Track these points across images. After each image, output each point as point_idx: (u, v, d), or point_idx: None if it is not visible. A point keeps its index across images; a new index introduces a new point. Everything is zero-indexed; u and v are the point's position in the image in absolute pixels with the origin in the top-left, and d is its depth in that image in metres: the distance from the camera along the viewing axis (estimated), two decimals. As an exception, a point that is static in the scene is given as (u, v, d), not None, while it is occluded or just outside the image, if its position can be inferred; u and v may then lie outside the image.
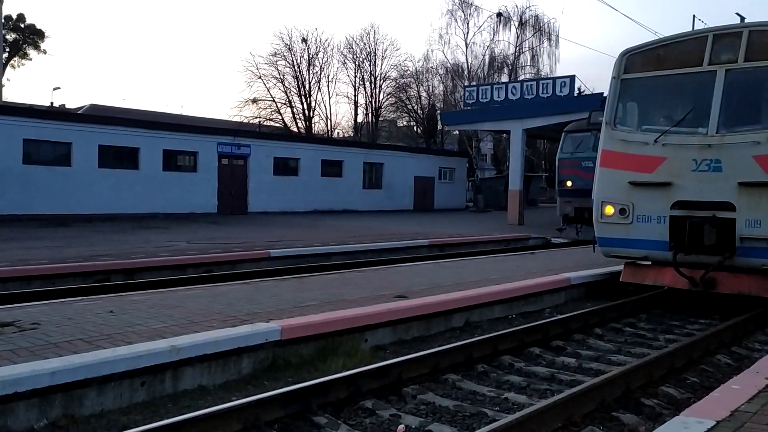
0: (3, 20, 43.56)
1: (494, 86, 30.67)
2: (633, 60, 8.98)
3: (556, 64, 46.86)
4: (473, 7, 45.91)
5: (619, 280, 9.32)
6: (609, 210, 8.76)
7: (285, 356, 5.80)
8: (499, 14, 44.99)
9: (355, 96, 49.91)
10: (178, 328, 5.76)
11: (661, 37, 9.76)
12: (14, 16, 49.55)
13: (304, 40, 46.29)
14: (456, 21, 46.59)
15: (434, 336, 7.27)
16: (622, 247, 8.77)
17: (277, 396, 4.59)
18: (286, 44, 45.80)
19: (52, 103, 51.56)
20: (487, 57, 46.24)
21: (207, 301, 7.19)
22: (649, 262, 8.88)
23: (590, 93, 21.54)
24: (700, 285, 8.27)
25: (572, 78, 27.12)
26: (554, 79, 28.82)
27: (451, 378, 5.60)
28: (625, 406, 5.00)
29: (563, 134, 19.11)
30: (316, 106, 48.27)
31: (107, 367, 4.63)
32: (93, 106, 50.45)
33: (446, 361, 5.85)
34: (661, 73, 8.72)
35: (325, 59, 47.85)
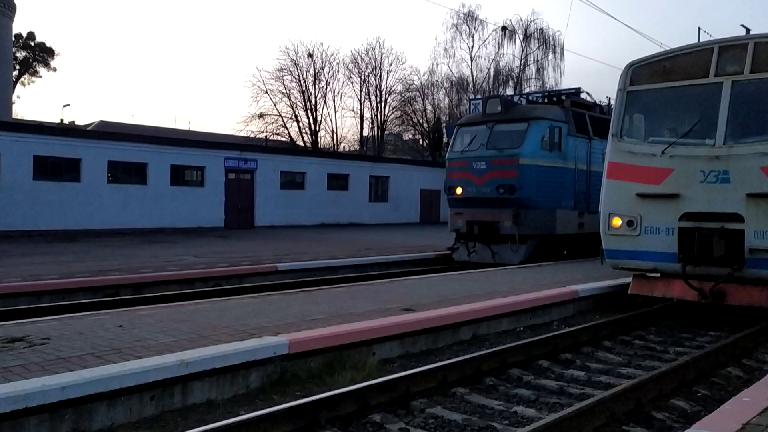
0: (13, 38, 44.09)
1: (499, 99, 30.65)
2: (639, 72, 9.00)
3: (561, 76, 46.89)
4: (478, 21, 46.21)
5: (628, 292, 9.27)
6: (616, 222, 8.74)
7: (293, 370, 5.80)
8: (503, 28, 45.19)
9: (360, 110, 50.13)
10: (187, 342, 5.77)
11: (667, 49, 9.78)
12: (24, 35, 50.18)
13: (310, 55, 46.61)
14: (461, 35, 46.87)
15: (442, 349, 7.25)
16: (631, 259, 8.74)
17: (286, 410, 4.59)
18: (292, 59, 46.12)
19: (62, 119, 52.03)
20: (492, 70, 46.43)
21: (215, 315, 7.20)
22: (658, 274, 8.83)
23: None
24: (709, 297, 8.22)
25: (578, 90, 27.12)
26: (560, 91, 28.84)
27: (459, 391, 5.58)
28: (635, 419, 4.97)
29: (456, 128, 16.30)
30: (322, 120, 48.50)
31: (117, 382, 4.65)
32: (102, 123, 50.88)
33: (454, 374, 5.84)
34: (667, 85, 8.74)
35: (330, 74, 48.14)
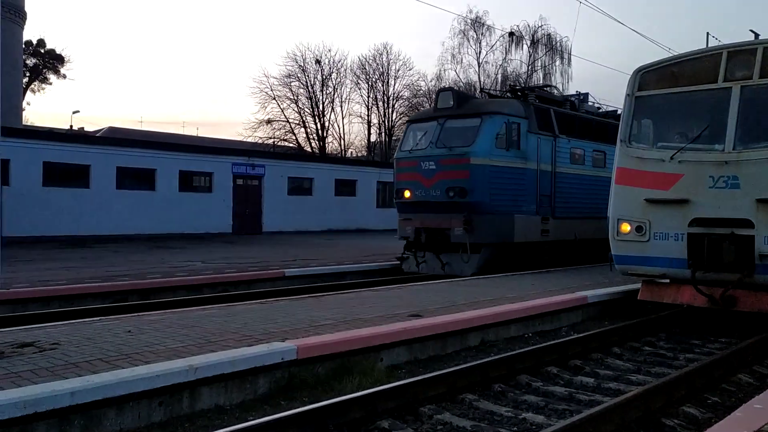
0: (23, 45, 44.46)
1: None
2: (647, 77, 8.98)
3: (568, 81, 46.72)
4: (485, 26, 46.19)
5: (637, 298, 9.22)
6: (625, 227, 8.70)
7: (301, 376, 5.79)
8: (511, 33, 45.19)
9: (368, 115, 50.18)
10: (195, 347, 5.78)
11: (675, 54, 9.76)
12: (35, 42, 50.57)
13: (318, 62, 46.72)
14: (468, 41, 46.84)
15: (450, 355, 7.23)
16: (640, 265, 8.70)
17: (294, 416, 4.59)
18: (300, 65, 46.25)
19: (71, 126, 52.33)
20: (499, 76, 46.36)
21: (223, 321, 7.21)
22: (668, 280, 8.79)
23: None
24: (719, 303, 8.17)
25: (586, 95, 27.07)
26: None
27: (467, 398, 5.56)
28: (645, 426, 4.94)
29: (407, 125, 15.20)
30: (330, 126, 48.56)
31: (126, 387, 4.66)
32: (111, 129, 51.17)
33: (463, 380, 5.81)
34: (675, 90, 8.72)
35: (338, 80, 48.21)
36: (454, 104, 13.58)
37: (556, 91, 18.49)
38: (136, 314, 7.83)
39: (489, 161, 12.93)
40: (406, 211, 14.04)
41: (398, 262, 14.70)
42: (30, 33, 55.52)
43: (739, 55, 8.20)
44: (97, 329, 6.64)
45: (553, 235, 14.38)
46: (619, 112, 15.15)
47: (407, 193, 13.76)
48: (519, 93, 15.29)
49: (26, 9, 41.81)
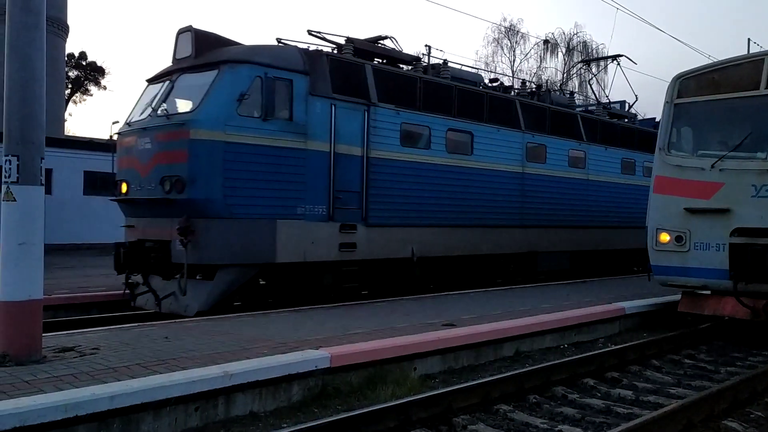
0: (66, 58, 45.78)
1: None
2: (686, 84, 8.83)
3: (604, 89, 46.26)
4: (519, 34, 45.95)
5: (677, 309, 9.03)
6: (664, 237, 8.55)
7: (334, 384, 5.80)
8: (546, 41, 44.88)
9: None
10: (230, 354, 5.84)
11: (715, 60, 9.57)
12: (77, 54, 52.00)
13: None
14: (502, 49, 46.61)
15: (484, 365, 7.16)
16: (679, 276, 8.52)
17: (328, 424, 4.59)
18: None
19: (110, 136, 53.54)
20: (534, 84, 46.06)
21: (257, 328, 7.27)
22: (708, 292, 8.59)
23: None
24: (762, 315, 7.96)
25: (622, 104, 26.71)
26: (604, 104, 28.41)
27: (502, 408, 5.50)
28: (686, 441, 4.81)
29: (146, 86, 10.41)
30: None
31: (163, 392, 4.73)
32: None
33: (497, 391, 5.75)
34: (716, 97, 8.55)
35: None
36: (194, 52, 9.31)
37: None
38: (173, 321, 7.95)
39: (223, 135, 8.56)
40: (126, 213, 9.91)
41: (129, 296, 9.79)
42: (72, 46, 57.17)
43: (783, 60, 8.01)
44: (135, 335, 6.76)
45: (366, 251, 10.14)
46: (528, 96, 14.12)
47: (124, 187, 9.54)
48: (319, 37, 10.77)
49: (69, 22, 43.06)
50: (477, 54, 64.36)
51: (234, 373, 5.15)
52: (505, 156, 12.62)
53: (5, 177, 5.41)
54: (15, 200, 5.38)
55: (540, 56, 46.16)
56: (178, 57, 9.62)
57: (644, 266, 16.00)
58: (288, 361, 5.57)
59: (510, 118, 12.90)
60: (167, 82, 9.53)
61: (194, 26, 9.43)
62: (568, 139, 14.33)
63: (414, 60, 12.10)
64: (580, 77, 45.51)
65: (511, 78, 45.79)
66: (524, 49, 46.67)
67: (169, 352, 5.94)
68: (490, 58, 47.05)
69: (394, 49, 11.77)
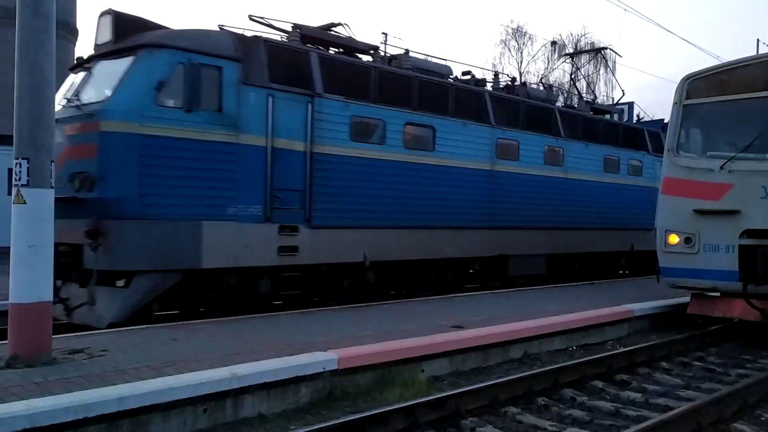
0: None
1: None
2: (695, 85, 8.80)
3: (612, 91, 46.12)
4: (527, 36, 45.89)
5: (687, 311, 8.99)
6: (673, 239, 8.52)
7: (342, 386, 5.81)
8: (553, 43, 44.76)
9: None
10: (238, 356, 5.85)
11: (724, 61, 9.53)
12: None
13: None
14: (509, 50, 46.56)
15: (492, 367, 7.15)
16: (689, 278, 8.49)
17: (336, 426, 4.60)
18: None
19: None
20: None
21: (265, 330, 7.29)
22: (718, 294, 8.55)
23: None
24: (772, 317, 7.90)
25: (631, 105, 26.62)
26: (612, 105, 28.36)
27: (510, 411, 5.49)
28: (695, 443, 4.79)
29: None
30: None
31: (172, 394, 4.75)
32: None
33: (505, 393, 5.74)
34: (725, 98, 8.52)
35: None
36: (113, 36, 8.47)
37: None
38: (181, 323, 7.98)
39: (139, 128, 7.78)
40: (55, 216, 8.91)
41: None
42: (81, 50, 57.54)
43: (792, 61, 7.97)
44: (144, 337, 6.79)
45: (310, 255, 9.27)
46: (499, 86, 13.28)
47: None
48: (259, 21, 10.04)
49: (78, 26, 43.38)
50: (484, 56, 64.40)
51: (242, 375, 5.16)
52: (472, 152, 11.66)
53: (15, 180, 5.45)
54: (25, 203, 5.42)
55: (547, 58, 46.08)
56: (98, 42, 8.75)
57: (631, 270, 15.68)
58: (296, 363, 5.58)
59: (478, 112, 11.97)
60: (86, 71, 8.69)
61: (115, 9, 8.50)
62: (545, 134, 13.30)
63: (371, 49, 11.12)
64: (588, 78, 45.42)
65: (517, 79, 45.75)
66: (531, 50, 46.63)
67: (177, 353, 5.96)
68: (497, 60, 47.03)
69: (349, 37, 10.78)
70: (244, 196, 8.59)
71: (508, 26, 46.59)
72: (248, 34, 9.28)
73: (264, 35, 9.37)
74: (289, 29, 9.98)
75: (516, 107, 12.95)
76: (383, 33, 13.77)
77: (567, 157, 13.80)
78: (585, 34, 46.03)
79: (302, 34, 9.94)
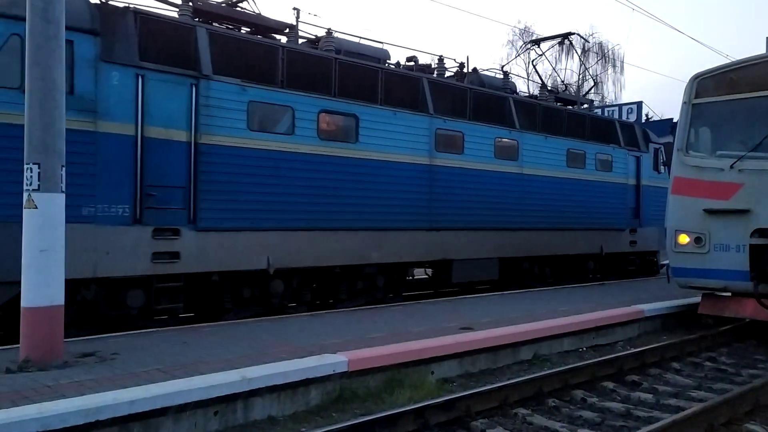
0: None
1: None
2: (704, 84, 8.76)
3: (621, 90, 45.84)
4: (535, 36, 45.78)
5: (697, 312, 8.94)
6: (683, 239, 8.47)
7: (352, 388, 5.82)
8: (561, 42, 44.65)
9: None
10: (248, 359, 5.87)
11: (734, 60, 9.48)
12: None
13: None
14: (517, 51, 46.50)
15: (502, 369, 7.14)
16: (699, 278, 8.44)
17: (346, 428, 4.61)
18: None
19: None
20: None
21: (275, 333, 7.30)
22: (729, 293, 8.49)
23: (659, 119, 20.48)
24: (784, 317, 7.85)
25: (639, 104, 26.50)
26: (620, 105, 28.21)
27: (520, 412, 5.48)
28: (707, 444, 4.76)
29: None
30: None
31: (183, 397, 4.76)
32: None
33: (515, 394, 5.73)
34: (734, 97, 8.47)
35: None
36: None
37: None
38: (191, 326, 8.01)
39: None
40: None
41: None
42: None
43: (802, 59, 7.92)
44: (154, 340, 6.82)
45: (195, 262, 8.09)
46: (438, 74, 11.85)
47: None
48: None
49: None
50: (491, 56, 64.25)
51: (252, 378, 5.18)
52: (405, 145, 10.30)
53: (27, 185, 5.49)
54: (36, 207, 5.46)
55: (555, 57, 45.92)
56: None
57: (604, 273, 14.36)
58: (306, 366, 5.59)
59: (414, 100, 10.60)
60: None
61: None
62: (496, 125, 11.87)
63: (285, 27, 9.87)
64: (596, 78, 45.23)
65: (525, 80, 45.64)
66: (539, 51, 46.45)
67: (187, 356, 5.98)
68: (505, 60, 46.94)
69: (258, 14, 9.42)
70: (105, 193, 7.35)
71: (515, 26, 46.37)
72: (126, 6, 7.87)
73: (140, 7, 7.99)
74: (179, 2, 8.78)
75: (462, 95, 11.52)
76: (294, 8, 12.32)
77: (523, 150, 12.39)
78: (593, 33, 45.71)
79: (194, 8, 8.77)
